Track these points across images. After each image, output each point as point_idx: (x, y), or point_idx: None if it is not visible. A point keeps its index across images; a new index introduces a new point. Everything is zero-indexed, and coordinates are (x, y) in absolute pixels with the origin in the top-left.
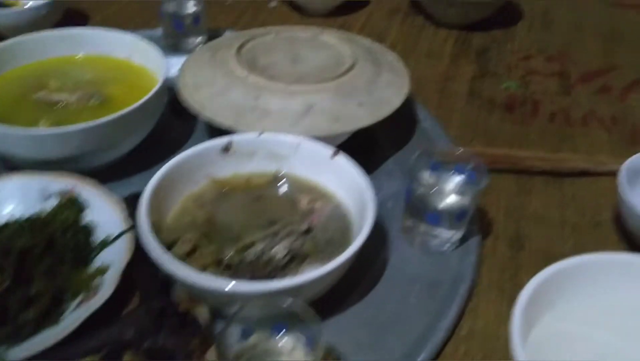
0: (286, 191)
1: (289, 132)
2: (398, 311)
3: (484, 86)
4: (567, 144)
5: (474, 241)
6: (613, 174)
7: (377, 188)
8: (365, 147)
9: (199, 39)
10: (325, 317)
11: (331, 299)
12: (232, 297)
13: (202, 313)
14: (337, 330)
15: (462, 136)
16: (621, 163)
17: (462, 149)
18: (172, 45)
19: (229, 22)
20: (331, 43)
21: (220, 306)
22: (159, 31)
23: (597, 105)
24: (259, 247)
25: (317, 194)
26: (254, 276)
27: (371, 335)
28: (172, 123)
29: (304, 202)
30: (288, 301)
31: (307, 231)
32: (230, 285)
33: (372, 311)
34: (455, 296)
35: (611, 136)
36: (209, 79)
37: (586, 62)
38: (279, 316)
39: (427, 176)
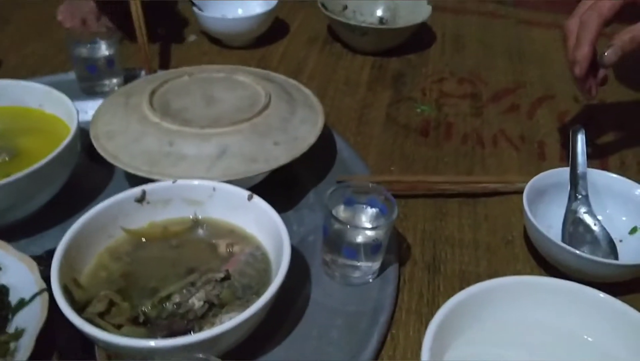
0: (204, 237)
1: (205, 177)
2: (320, 348)
3: (400, 111)
4: (478, 165)
5: (393, 270)
6: (521, 191)
7: (299, 222)
8: (286, 182)
9: (115, 80)
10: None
11: (254, 342)
12: (149, 354)
13: None
14: None
15: (380, 163)
16: (529, 180)
17: (371, 185)
18: (88, 88)
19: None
20: (246, 82)
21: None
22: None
23: (506, 124)
24: (176, 299)
25: (235, 237)
26: (172, 329)
27: None
28: (90, 170)
29: (222, 246)
30: (202, 356)
31: (225, 278)
32: (142, 344)
33: (296, 351)
34: (375, 327)
35: (519, 154)
36: (122, 126)
37: (496, 81)
38: None
39: (341, 211)
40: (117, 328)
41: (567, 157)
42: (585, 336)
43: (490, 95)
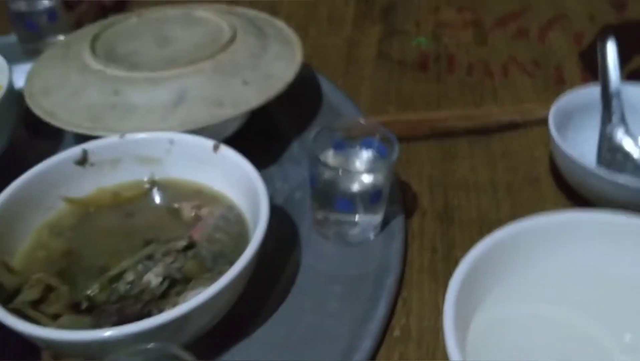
0: (164, 201)
1: (160, 129)
2: (317, 322)
3: (393, 47)
4: (489, 98)
5: (398, 223)
6: (543, 122)
7: (282, 178)
8: (264, 133)
9: (61, 38)
10: (229, 344)
11: (235, 321)
12: (94, 348)
13: None
14: (245, 358)
15: (375, 105)
16: (550, 108)
17: (364, 121)
18: (31, 49)
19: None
20: (206, 18)
21: (93, 356)
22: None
23: (516, 50)
24: (129, 277)
25: (202, 198)
26: (123, 315)
27: (286, 357)
28: (35, 143)
29: (187, 210)
30: (159, 345)
31: (189, 246)
32: (79, 336)
33: (286, 328)
34: (382, 291)
35: (535, 82)
36: (60, 80)
37: (498, 6)
38: None
39: (330, 158)
40: (54, 319)
41: (591, 77)
42: None
43: (494, 21)
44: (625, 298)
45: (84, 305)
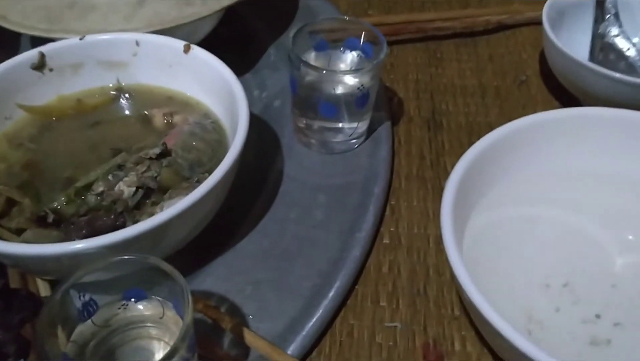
0: (132, 108)
1: (124, 30)
2: (302, 234)
3: None
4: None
5: (384, 129)
6: (533, 23)
7: (260, 86)
8: (238, 38)
9: None
10: (210, 257)
11: (216, 233)
12: (63, 263)
13: (41, 288)
14: (227, 273)
15: (355, 6)
16: (540, 9)
17: (349, 19)
18: None
19: None
20: None
21: (63, 273)
22: None
23: None
24: (98, 188)
25: (175, 104)
26: (93, 227)
27: (270, 271)
28: None
29: (158, 118)
30: (137, 256)
31: (163, 154)
32: (45, 250)
33: (270, 240)
34: (369, 199)
35: None
36: None
37: None
38: (130, 280)
39: (312, 59)
40: (18, 234)
41: None
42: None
43: None
44: (622, 196)
45: (51, 218)
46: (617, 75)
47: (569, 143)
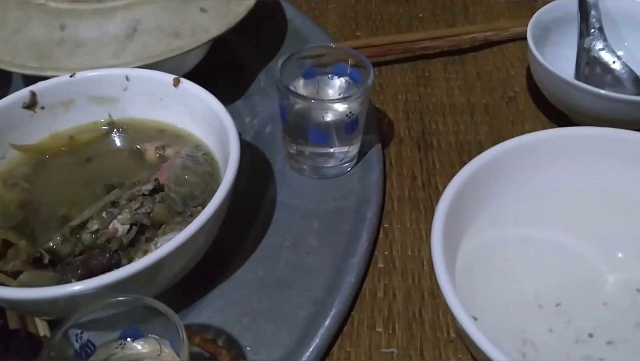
0: (125, 143)
1: (114, 65)
2: (296, 262)
3: None
4: (461, 17)
5: (375, 152)
6: (519, 38)
7: (251, 112)
8: (227, 65)
9: None
10: (205, 290)
11: (211, 264)
12: (60, 305)
13: (40, 328)
14: (223, 304)
15: (343, 30)
16: (525, 24)
17: (335, 46)
18: None
19: None
20: None
21: (60, 313)
22: None
23: None
24: (93, 226)
25: (166, 137)
26: (89, 267)
27: (265, 301)
28: None
29: (150, 152)
30: (130, 297)
31: (156, 190)
32: (38, 294)
33: (265, 268)
34: (362, 224)
35: None
36: None
37: None
38: (126, 318)
39: (301, 86)
40: (15, 277)
41: None
42: (634, 195)
43: None
44: (610, 213)
45: (46, 259)
46: (602, 92)
47: (558, 163)
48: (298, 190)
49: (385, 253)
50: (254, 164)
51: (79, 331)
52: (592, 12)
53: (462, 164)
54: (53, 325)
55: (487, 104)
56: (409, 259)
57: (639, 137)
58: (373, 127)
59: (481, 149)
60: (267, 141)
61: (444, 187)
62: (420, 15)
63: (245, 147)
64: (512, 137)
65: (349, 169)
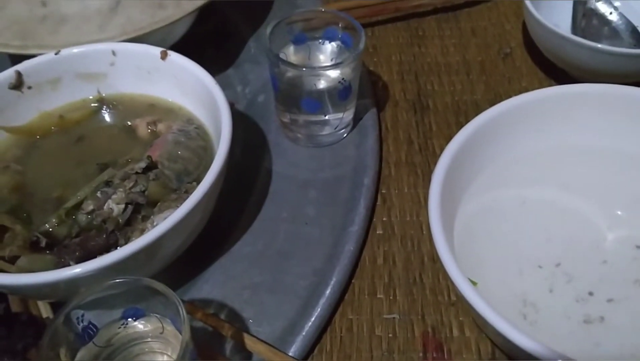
0: (115, 119)
1: (99, 40)
2: (295, 233)
3: None
4: None
5: (370, 117)
6: None
7: (242, 81)
8: (216, 34)
9: None
10: (206, 265)
11: (209, 239)
12: (63, 287)
13: (42, 310)
14: (223, 278)
15: None
16: None
17: (324, 9)
18: None
19: None
20: None
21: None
22: None
23: None
24: (88, 206)
25: (157, 112)
26: (86, 248)
27: (266, 273)
28: None
29: (142, 127)
30: (129, 278)
31: (149, 167)
32: (37, 279)
33: (264, 240)
34: (359, 191)
35: None
36: None
37: None
38: (126, 299)
39: (291, 54)
40: (12, 262)
41: None
42: (633, 152)
43: None
44: (609, 171)
45: (43, 242)
46: (599, 46)
47: (555, 122)
48: (293, 160)
49: (384, 219)
50: (248, 135)
51: (81, 313)
52: None
53: (459, 125)
54: (56, 306)
55: (482, 61)
56: (408, 224)
57: (636, 93)
58: (367, 91)
59: (478, 108)
60: (260, 110)
61: (441, 150)
62: None
63: (239, 118)
64: (509, 95)
65: (345, 135)
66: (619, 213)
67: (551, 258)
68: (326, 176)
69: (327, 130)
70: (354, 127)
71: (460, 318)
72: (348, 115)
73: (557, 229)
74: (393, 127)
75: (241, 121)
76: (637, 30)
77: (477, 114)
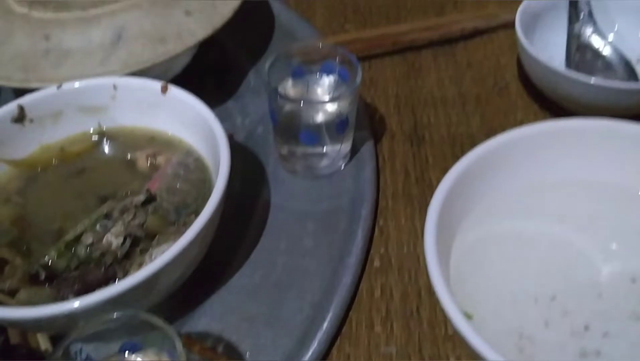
0: (115, 152)
1: (100, 74)
2: (292, 265)
3: None
4: (449, 6)
5: (368, 148)
6: (508, 26)
7: (242, 112)
8: (215, 66)
9: None
10: (203, 297)
11: (207, 271)
12: (62, 320)
13: (41, 342)
14: (221, 311)
15: (331, 23)
16: (514, 10)
17: (322, 43)
18: None
19: None
20: None
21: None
22: None
23: None
24: (88, 240)
25: (157, 145)
26: (85, 282)
27: (263, 305)
28: None
29: (142, 160)
30: (126, 313)
31: (148, 200)
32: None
33: (262, 272)
34: (357, 223)
35: None
36: None
37: None
38: (124, 332)
39: (290, 87)
40: (12, 295)
41: None
42: (627, 186)
43: None
44: (603, 204)
45: (43, 275)
46: (592, 81)
47: (550, 155)
48: (291, 191)
49: (381, 251)
50: (247, 166)
51: (79, 347)
52: None
53: (455, 157)
54: (54, 338)
55: (478, 94)
56: (405, 256)
57: (631, 128)
58: (364, 123)
59: (473, 141)
60: (259, 141)
61: (438, 182)
62: (409, 6)
63: (238, 149)
64: (505, 128)
65: (342, 166)
66: (614, 246)
67: (546, 291)
68: (324, 207)
69: (325, 162)
70: (351, 159)
71: (458, 351)
72: (345, 147)
73: (552, 262)
74: (390, 159)
75: (240, 152)
76: (630, 64)
77: (472, 146)
